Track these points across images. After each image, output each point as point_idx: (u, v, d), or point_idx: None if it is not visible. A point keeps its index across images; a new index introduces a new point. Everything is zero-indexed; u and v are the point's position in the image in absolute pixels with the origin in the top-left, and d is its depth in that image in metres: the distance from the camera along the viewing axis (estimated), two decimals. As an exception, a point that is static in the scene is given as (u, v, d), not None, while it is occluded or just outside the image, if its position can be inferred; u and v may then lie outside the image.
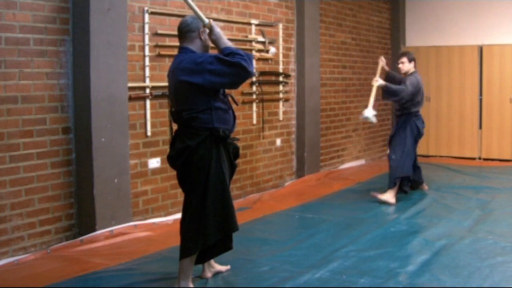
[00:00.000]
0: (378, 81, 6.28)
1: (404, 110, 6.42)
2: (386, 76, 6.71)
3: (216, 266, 3.99)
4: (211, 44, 3.62)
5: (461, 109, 9.54)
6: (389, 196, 6.21)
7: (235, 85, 3.55)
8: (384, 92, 6.39)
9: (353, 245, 4.63)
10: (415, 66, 6.54)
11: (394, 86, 6.31)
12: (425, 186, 6.91)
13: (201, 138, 3.46)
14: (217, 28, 3.55)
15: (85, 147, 4.71)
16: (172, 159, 3.60)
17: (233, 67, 3.35)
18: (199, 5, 5.88)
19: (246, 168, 6.66)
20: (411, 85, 6.25)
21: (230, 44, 3.50)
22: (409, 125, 6.39)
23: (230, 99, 3.70)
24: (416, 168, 6.64)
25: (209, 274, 3.91)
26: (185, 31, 3.58)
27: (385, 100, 6.58)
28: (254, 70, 3.57)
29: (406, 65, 6.48)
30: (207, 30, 3.56)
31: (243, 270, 4.05)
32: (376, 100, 6.36)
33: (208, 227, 3.50)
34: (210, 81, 3.37)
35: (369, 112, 6.15)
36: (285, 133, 7.36)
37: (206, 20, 3.55)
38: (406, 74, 6.48)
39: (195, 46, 3.57)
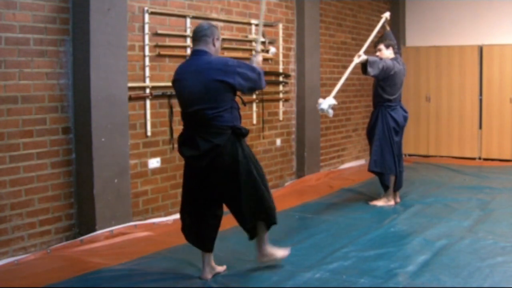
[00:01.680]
0: (361, 56, 5.70)
1: (377, 99, 6.09)
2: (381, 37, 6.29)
3: (216, 267, 3.99)
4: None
5: (461, 109, 9.54)
6: (385, 200, 6.13)
7: (251, 90, 3.90)
8: (363, 66, 5.81)
9: (353, 245, 4.63)
10: (395, 53, 6.12)
11: (373, 58, 5.83)
12: (398, 198, 6.25)
13: (226, 136, 3.64)
14: (260, 57, 4.00)
15: (85, 147, 4.71)
16: (198, 159, 3.67)
17: (255, 74, 3.74)
18: (199, 5, 5.89)
19: (246, 168, 6.65)
20: (385, 62, 5.86)
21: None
22: (383, 117, 6.00)
23: (238, 99, 3.94)
24: (398, 170, 6.08)
25: (209, 275, 3.91)
26: (201, 35, 3.73)
27: (365, 74, 5.92)
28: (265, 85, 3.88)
29: (384, 52, 6.05)
30: (256, 54, 4.01)
31: (243, 270, 4.05)
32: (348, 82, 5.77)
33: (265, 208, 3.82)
34: (239, 82, 3.66)
35: (326, 103, 5.38)
36: (285, 133, 7.36)
37: (259, 49, 4.15)
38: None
39: (210, 50, 3.75)
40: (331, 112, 5.44)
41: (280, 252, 4.12)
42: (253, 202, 3.74)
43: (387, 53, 6.09)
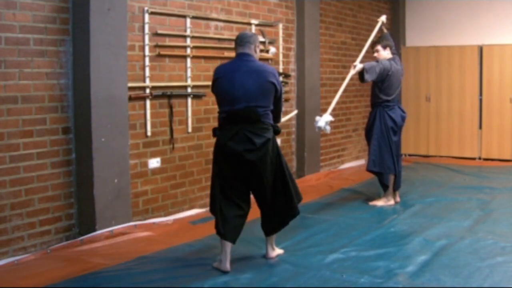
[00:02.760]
0: (357, 66, 5.74)
1: (374, 99, 6.09)
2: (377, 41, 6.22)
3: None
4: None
5: (461, 109, 9.53)
6: (385, 200, 6.12)
7: (277, 103, 4.20)
8: (360, 74, 5.86)
9: (353, 245, 4.63)
10: (392, 53, 6.14)
11: (369, 64, 5.86)
12: (397, 197, 6.25)
13: (271, 132, 4.05)
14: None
15: (85, 147, 4.71)
16: (254, 152, 3.95)
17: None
18: (199, 5, 5.89)
19: (246, 168, 6.65)
20: (382, 64, 5.90)
21: None
22: (382, 117, 6.01)
23: None
24: (397, 170, 6.08)
25: (229, 266, 4.03)
26: (245, 41, 4.08)
27: (362, 82, 5.98)
28: None
29: (381, 53, 6.08)
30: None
31: (243, 270, 4.05)
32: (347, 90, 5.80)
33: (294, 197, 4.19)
34: (281, 88, 4.15)
35: (323, 120, 5.37)
36: (285, 133, 7.35)
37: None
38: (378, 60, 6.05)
39: (253, 55, 4.11)
40: (328, 128, 5.47)
41: (280, 251, 4.43)
42: (290, 194, 4.14)
43: (384, 53, 6.12)
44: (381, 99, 6.05)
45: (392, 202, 6.12)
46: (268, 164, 4.00)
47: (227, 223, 4.01)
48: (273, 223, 4.21)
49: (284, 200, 4.14)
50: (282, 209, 4.16)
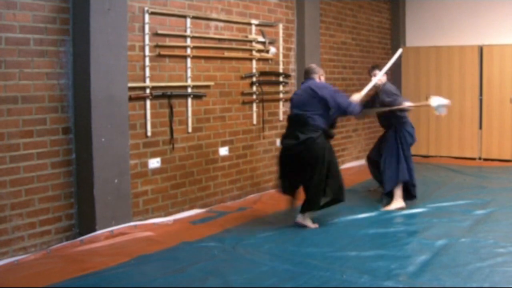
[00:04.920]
0: (405, 104, 6.01)
1: (391, 120, 6.08)
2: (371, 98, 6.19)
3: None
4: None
5: (461, 109, 9.54)
6: (397, 204, 5.99)
7: (338, 110, 5.23)
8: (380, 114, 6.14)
9: (353, 245, 4.63)
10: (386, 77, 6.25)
11: (388, 99, 5.99)
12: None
13: (318, 133, 5.06)
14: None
15: (85, 147, 4.71)
16: (294, 146, 5.10)
17: (342, 102, 5.25)
18: (199, 5, 5.89)
19: (246, 168, 6.66)
20: (397, 93, 6.09)
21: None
22: (400, 137, 6.04)
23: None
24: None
25: (300, 219, 5.22)
26: (311, 72, 5.39)
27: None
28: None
29: (381, 78, 6.07)
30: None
31: (243, 270, 4.06)
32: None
33: (337, 187, 5.29)
34: (330, 99, 5.17)
35: (438, 103, 6.09)
36: (285, 133, 7.35)
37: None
38: (379, 86, 6.08)
39: (316, 79, 5.35)
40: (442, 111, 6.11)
41: (311, 225, 5.27)
42: (323, 182, 5.14)
43: (382, 77, 6.12)
44: (399, 117, 6.05)
45: (403, 205, 6.00)
46: (307, 157, 5.06)
47: (285, 187, 5.33)
48: (304, 203, 5.23)
49: (314, 192, 5.12)
50: (311, 196, 5.16)
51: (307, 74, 5.42)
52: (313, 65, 5.49)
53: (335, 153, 5.39)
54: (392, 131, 6.12)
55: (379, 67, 6.23)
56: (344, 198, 5.37)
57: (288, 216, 5.71)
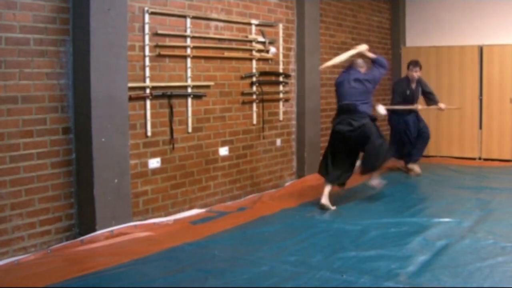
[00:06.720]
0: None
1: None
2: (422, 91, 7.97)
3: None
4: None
5: (461, 109, 9.53)
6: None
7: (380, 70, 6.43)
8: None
9: (353, 245, 4.63)
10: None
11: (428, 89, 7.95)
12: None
13: (367, 119, 6.03)
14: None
15: (85, 147, 4.71)
16: (350, 131, 5.98)
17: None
18: (199, 5, 5.89)
19: (246, 168, 6.67)
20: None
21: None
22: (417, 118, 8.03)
23: None
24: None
25: (326, 201, 6.00)
26: (360, 66, 6.27)
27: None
28: None
29: (419, 73, 7.88)
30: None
31: (243, 270, 4.06)
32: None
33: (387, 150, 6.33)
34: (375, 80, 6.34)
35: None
36: (285, 133, 7.36)
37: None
38: (419, 78, 7.88)
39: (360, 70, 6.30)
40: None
41: (377, 182, 6.43)
42: (377, 152, 6.07)
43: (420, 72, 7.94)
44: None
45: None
46: (361, 137, 6.01)
47: (328, 173, 6.14)
48: (365, 165, 6.24)
49: (374, 154, 6.08)
50: (368, 159, 6.17)
51: (353, 65, 6.30)
52: (361, 60, 6.34)
53: (381, 133, 6.32)
54: (413, 115, 7.93)
55: (418, 63, 7.85)
56: (390, 155, 6.55)
57: (288, 216, 5.72)
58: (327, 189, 6.08)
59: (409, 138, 7.96)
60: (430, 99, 7.91)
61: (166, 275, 3.97)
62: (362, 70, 6.24)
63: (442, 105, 7.76)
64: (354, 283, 3.79)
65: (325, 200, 6.00)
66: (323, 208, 5.93)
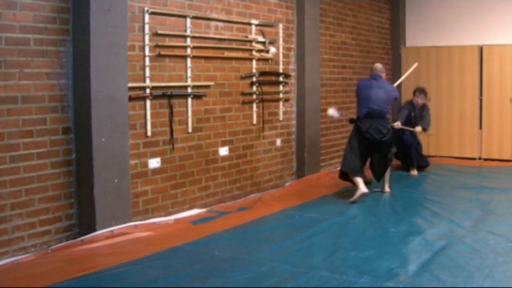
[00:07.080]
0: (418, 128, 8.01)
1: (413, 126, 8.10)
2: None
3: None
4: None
5: (461, 109, 9.54)
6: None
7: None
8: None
9: (353, 245, 4.63)
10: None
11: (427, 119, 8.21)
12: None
13: (390, 125, 6.52)
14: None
15: (85, 147, 4.71)
16: (379, 136, 6.36)
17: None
18: (199, 5, 5.89)
19: (246, 168, 6.66)
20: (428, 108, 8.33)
21: None
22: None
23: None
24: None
25: (365, 189, 6.28)
26: (378, 70, 6.62)
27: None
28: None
29: (424, 100, 8.22)
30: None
31: (243, 270, 4.06)
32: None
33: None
34: (395, 97, 6.78)
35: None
36: (285, 133, 7.36)
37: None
38: (423, 104, 8.20)
39: (382, 77, 6.63)
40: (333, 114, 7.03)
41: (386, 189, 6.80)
42: (390, 158, 6.77)
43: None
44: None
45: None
46: (383, 143, 6.42)
47: (350, 167, 6.48)
48: (378, 172, 6.69)
49: (385, 164, 6.66)
50: (380, 165, 6.65)
51: (375, 71, 6.60)
52: (380, 65, 6.69)
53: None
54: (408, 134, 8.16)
55: (424, 91, 8.23)
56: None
57: (288, 216, 5.72)
58: (359, 180, 6.38)
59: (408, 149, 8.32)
60: (420, 119, 8.17)
61: (166, 275, 3.97)
62: (383, 75, 6.62)
63: (418, 129, 7.98)
64: (354, 283, 3.79)
65: (364, 187, 6.31)
66: (364, 195, 6.29)
